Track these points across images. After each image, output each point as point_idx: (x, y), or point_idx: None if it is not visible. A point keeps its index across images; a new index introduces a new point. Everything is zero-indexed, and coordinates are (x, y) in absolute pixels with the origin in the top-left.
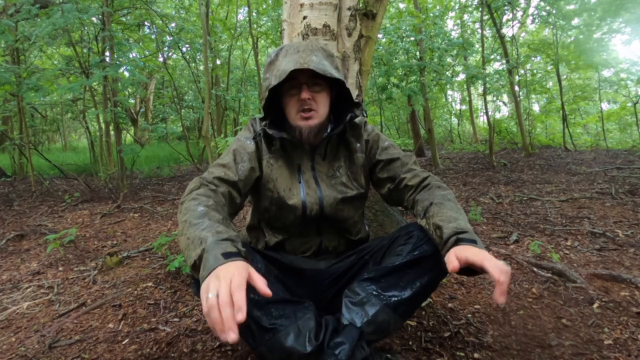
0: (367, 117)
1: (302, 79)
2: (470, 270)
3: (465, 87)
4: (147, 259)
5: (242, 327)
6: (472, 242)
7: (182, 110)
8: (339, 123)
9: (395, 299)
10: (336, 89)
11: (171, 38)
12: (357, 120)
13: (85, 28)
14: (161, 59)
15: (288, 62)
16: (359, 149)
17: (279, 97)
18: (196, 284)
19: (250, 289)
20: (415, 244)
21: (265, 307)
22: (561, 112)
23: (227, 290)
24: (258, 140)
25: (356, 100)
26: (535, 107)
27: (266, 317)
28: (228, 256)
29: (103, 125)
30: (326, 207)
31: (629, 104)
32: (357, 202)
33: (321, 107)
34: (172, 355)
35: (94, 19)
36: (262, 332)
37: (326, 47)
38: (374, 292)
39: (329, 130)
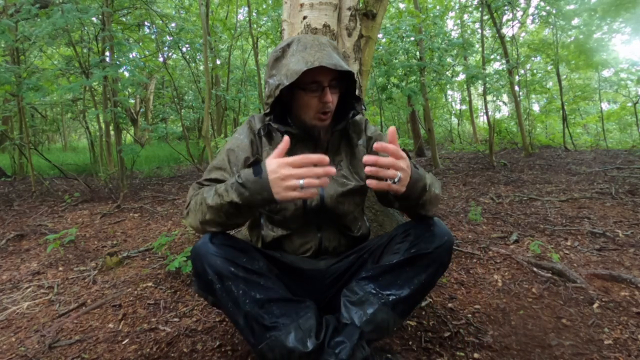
0: (366, 110)
1: (323, 81)
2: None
3: (465, 87)
4: (147, 259)
5: (243, 326)
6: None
7: (182, 110)
8: (341, 118)
9: (394, 297)
10: (344, 85)
11: (171, 38)
12: (357, 118)
13: (85, 28)
14: (161, 59)
15: (298, 61)
16: (361, 144)
17: (285, 93)
18: (197, 281)
19: (254, 287)
20: (413, 242)
21: (266, 305)
22: (561, 112)
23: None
24: (257, 138)
25: (358, 96)
26: (535, 107)
27: (267, 315)
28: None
29: (103, 125)
30: (327, 199)
31: (629, 104)
32: (357, 196)
33: (335, 105)
34: (172, 355)
35: (94, 19)
36: (263, 330)
37: (331, 41)
38: (372, 291)
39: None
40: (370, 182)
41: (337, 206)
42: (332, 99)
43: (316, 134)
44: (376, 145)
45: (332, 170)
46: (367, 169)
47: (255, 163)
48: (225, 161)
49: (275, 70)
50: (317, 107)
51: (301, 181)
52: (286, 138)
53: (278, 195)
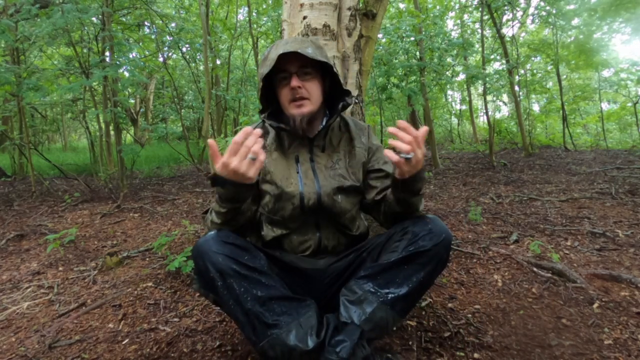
0: (357, 102)
1: (291, 68)
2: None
3: (465, 87)
4: (147, 259)
5: (244, 323)
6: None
7: (182, 110)
8: (333, 114)
9: (392, 295)
10: (329, 81)
11: (171, 38)
12: (362, 123)
13: (85, 28)
14: (161, 59)
15: (277, 51)
16: (362, 147)
17: (275, 91)
18: (197, 282)
19: (256, 285)
20: (411, 239)
21: (267, 303)
22: (561, 112)
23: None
24: None
25: (347, 89)
26: (535, 107)
27: (269, 313)
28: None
29: (103, 125)
30: (323, 197)
31: (629, 104)
32: (352, 195)
33: (313, 95)
34: (172, 355)
35: (94, 19)
36: (265, 328)
37: (316, 41)
38: (371, 290)
39: (324, 122)
40: (387, 152)
41: (333, 204)
42: (303, 86)
43: (292, 123)
44: (401, 122)
45: (258, 131)
46: (390, 141)
47: (213, 179)
48: None
49: (262, 69)
50: (289, 95)
51: (249, 156)
52: (211, 142)
53: (248, 180)
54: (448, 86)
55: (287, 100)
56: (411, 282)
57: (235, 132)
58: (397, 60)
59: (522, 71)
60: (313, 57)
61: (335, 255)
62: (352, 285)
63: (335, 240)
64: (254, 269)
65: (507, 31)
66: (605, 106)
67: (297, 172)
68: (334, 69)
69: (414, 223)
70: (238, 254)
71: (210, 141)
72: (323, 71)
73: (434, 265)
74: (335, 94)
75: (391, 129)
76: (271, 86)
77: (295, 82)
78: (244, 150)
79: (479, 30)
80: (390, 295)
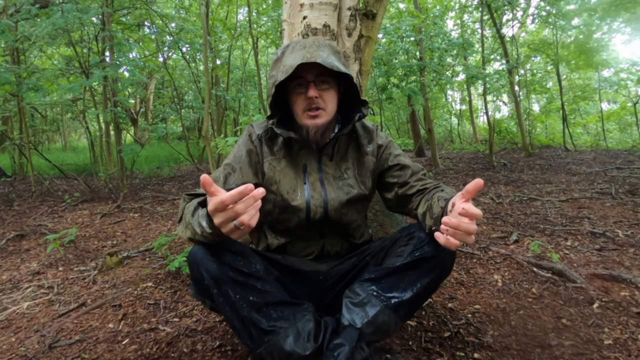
0: (374, 114)
1: (309, 76)
2: None
3: (465, 87)
4: (147, 259)
5: (241, 330)
6: None
7: (182, 110)
8: (346, 122)
9: (396, 300)
10: (343, 87)
11: (171, 38)
12: (370, 125)
13: (85, 28)
14: (161, 59)
15: (295, 58)
16: (370, 152)
17: (286, 95)
18: (194, 286)
19: (252, 291)
20: (416, 245)
21: (264, 309)
22: (561, 112)
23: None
24: (257, 145)
25: (364, 99)
26: (535, 107)
27: (265, 319)
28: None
29: (103, 125)
30: (330, 211)
31: (629, 104)
32: (360, 205)
33: (329, 105)
34: (172, 355)
35: (94, 19)
36: (261, 334)
37: (332, 44)
38: (374, 293)
39: (336, 130)
40: (438, 235)
41: (340, 217)
42: (320, 95)
43: (308, 135)
44: (462, 212)
45: (258, 193)
46: (451, 232)
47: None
48: (220, 177)
49: (275, 71)
50: (304, 105)
51: (234, 222)
52: (204, 178)
53: (231, 237)
54: (448, 86)
55: (301, 109)
56: (415, 287)
57: (236, 133)
58: (397, 60)
59: (522, 71)
60: (337, 69)
61: (337, 259)
62: (356, 287)
63: (338, 246)
64: (249, 275)
65: (507, 31)
66: (605, 106)
67: (305, 183)
68: (354, 81)
69: (420, 228)
70: (233, 259)
71: (204, 177)
72: (339, 78)
73: (439, 272)
74: (348, 100)
75: (449, 222)
76: (282, 91)
77: (312, 92)
78: (231, 214)
79: (479, 30)
80: (394, 300)
